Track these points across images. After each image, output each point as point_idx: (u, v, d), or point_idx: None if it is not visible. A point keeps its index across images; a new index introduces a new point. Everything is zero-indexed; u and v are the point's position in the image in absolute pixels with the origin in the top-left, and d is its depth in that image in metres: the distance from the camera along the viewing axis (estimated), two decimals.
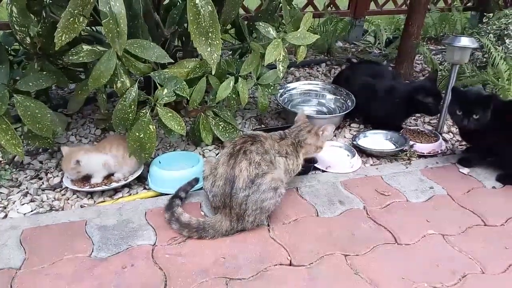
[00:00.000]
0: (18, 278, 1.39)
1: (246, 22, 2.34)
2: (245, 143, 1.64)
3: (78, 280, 1.39)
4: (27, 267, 1.44)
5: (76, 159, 1.78)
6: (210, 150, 2.24)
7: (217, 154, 2.19)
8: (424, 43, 2.99)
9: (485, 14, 3.50)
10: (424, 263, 1.54)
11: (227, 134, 2.18)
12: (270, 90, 2.31)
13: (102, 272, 1.43)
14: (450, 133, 2.52)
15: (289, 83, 2.81)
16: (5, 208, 1.77)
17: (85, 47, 1.68)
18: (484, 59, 2.99)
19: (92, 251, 1.51)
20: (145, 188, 1.93)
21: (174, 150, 2.20)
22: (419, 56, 3.55)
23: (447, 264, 1.54)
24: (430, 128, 2.50)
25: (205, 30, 1.52)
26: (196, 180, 1.82)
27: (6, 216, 1.72)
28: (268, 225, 1.68)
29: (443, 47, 3.98)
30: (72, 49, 1.68)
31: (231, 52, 2.60)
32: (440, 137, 2.35)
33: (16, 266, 1.44)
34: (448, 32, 4.28)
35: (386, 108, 2.34)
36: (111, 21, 1.42)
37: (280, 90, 2.54)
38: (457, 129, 2.31)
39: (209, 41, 1.56)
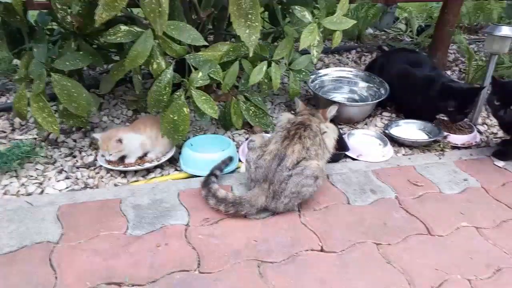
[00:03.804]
0: (56, 251, 1.43)
1: (279, 6, 2.32)
2: (299, 129, 1.67)
3: (114, 256, 1.42)
4: (64, 241, 1.48)
5: (119, 138, 1.80)
6: (240, 135, 2.25)
7: (246, 139, 2.19)
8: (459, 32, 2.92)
9: None
10: (458, 255, 1.51)
11: (257, 119, 2.17)
12: (301, 76, 2.28)
13: (137, 249, 1.46)
14: (485, 125, 2.46)
15: (319, 69, 2.78)
16: (41, 184, 1.82)
17: (123, 27, 1.69)
18: None
19: (127, 229, 1.54)
20: (176, 170, 1.95)
21: (204, 134, 2.21)
22: (451, 46, 3.46)
23: (481, 257, 1.51)
24: (464, 119, 2.43)
25: (245, 12, 1.51)
26: (230, 159, 1.84)
27: (42, 191, 1.77)
28: (299, 211, 1.68)
29: (477, 37, 3.87)
30: (110, 29, 1.69)
31: (261, 36, 2.58)
32: (475, 129, 2.30)
33: (54, 240, 1.48)
34: (483, 21, 4.15)
35: (423, 99, 2.28)
36: (153, 0, 1.42)
37: (311, 76, 2.51)
38: (496, 120, 2.24)
39: (248, 23, 1.54)
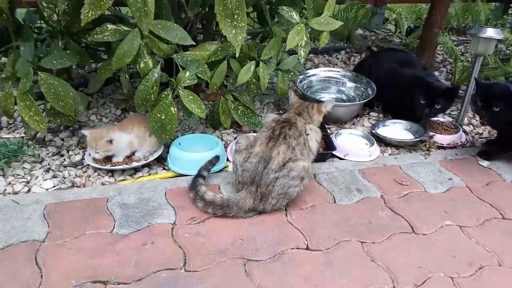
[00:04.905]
0: (42, 250, 1.43)
1: (268, 6, 2.33)
2: (283, 128, 1.69)
3: (100, 254, 1.43)
4: (50, 240, 1.48)
5: (110, 139, 1.80)
6: (228, 134, 2.25)
7: (235, 138, 2.20)
8: (446, 33, 2.94)
9: (511, 5, 3.42)
10: (441, 253, 1.54)
11: (245, 119, 2.18)
12: (290, 76, 2.30)
13: (123, 248, 1.46)
14: (471, 125, 2.49)
15: (308, 69, 2.80)
16: (28, 183, 1.81)
17: (110, 26, 1.69)
18: (508, 52, 2.93)
19: (114, 228, 1.54)
20: (164, 169, 1.95)
21: (192, 133, 2.21)
22: (440, 47, 3.50)
23: (464, 255, 1.54)
24: (450, 119, 2.47)
25: (231, 12, 1.52)
26: (217, 158, 1.85)
27: (29, 190, 1.76)
28: (286, 210, 1.69)
29: (465, 38, 3.92)
30: (97, 28, 1.68)
31: (250, 36, 2.59)
32: (461, 129, 2.33)
33: (40, 239, 1.48)
34: (471, 23, 4.20)
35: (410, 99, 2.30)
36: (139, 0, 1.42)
37: (300, 76, 2.52)
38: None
39: (235, 23, 1.56)
